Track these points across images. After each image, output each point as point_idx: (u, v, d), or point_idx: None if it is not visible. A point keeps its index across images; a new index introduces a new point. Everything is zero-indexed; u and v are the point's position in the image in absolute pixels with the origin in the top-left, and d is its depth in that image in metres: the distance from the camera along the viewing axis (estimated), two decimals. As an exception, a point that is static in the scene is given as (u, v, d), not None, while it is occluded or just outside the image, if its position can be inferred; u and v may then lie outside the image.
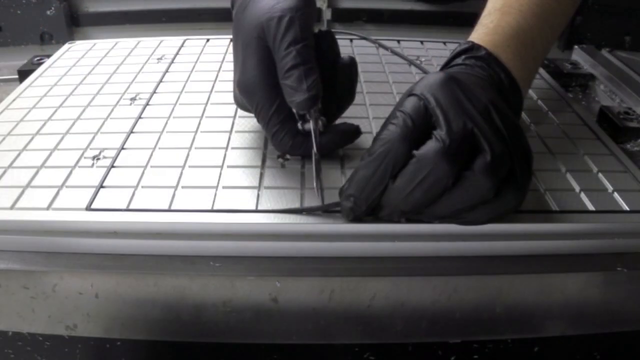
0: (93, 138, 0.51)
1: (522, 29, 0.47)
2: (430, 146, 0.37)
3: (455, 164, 0.37)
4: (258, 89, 0.44)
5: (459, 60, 0.46)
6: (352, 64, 0.47)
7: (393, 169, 0.38)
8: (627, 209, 0.44)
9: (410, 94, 0.40)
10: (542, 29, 0.48)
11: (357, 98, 0.58)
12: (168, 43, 0.71)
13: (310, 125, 0.44)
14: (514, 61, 0.45)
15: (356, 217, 0.40)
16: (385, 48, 0.71)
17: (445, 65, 0.47)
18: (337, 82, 0.46)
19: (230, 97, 0.58)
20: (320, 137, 0.44)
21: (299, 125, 0.45)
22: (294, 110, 0.44)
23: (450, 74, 0.40)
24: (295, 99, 0.42)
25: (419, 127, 0.38)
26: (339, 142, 0.47)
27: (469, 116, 0.38)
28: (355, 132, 0.47)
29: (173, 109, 0.56)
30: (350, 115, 0.54)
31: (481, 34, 0.47)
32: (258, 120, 0.46)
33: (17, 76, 0.68)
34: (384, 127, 0.39)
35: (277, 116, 0.44)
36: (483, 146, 0.37)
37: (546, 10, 0.49)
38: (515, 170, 0.38)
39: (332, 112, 0.47)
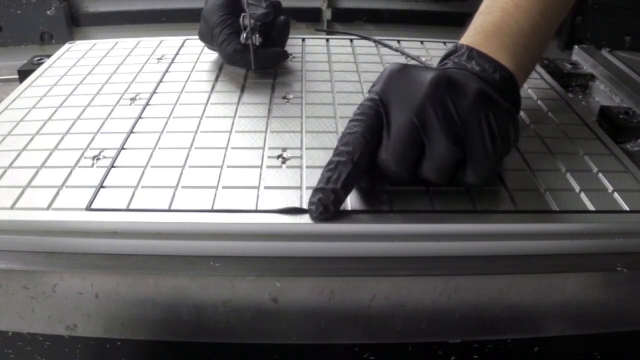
0: (93, 138, 0.51)
1: (505, 23, 0.47)
2: (381, 151, 0.41)
3: (405, 162, 0.41)
4: (215, 12, 0.60)
5: (445, 62, 0.47)
6: (286, 20, 0.63)
7: (352, 156, 0.40)
8: (627, 209, 0.44)
9: (370, 88, 0.44)
10: (531, 19, 0.48)
11: (356, 98, 0.58)
12: (168, 43, 0.72)
13: (249, 41, 0.59)
14: (496, 52, 0.46)
15: (325, 207, 0.40)
16: (390, 47, 0.71)
17: None
18: (273, 27, 0.62)
19: (230, 97, 0.59)
20: (256, 51, 0.59)
21: (241, 37, 0.59)
22: (247, 22, 0.58)
23: (400, 66, 0.43)
24: (257, 11, 0.59)
25: (375, 117, 0.41)
26: (270, 57, 0.62)
27: (414, 110, 0.40)
28: (283, 53, 0.63)
29: (173, 109, 0.56)
30: (350, 115, 0.55)
31: (465, 37, 0.49)
32: (212, 37, 0.60)
33: (17, 76, 0.68)
34: (349, 120, 0.43)
35: (226, 30, 0.59)
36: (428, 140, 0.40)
37: (534, 1, 0.49)
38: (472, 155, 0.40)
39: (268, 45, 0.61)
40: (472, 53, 0.46)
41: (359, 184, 0.43)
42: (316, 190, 0.41)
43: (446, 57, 0.48)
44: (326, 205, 0.40)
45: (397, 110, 0.41)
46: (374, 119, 0.41)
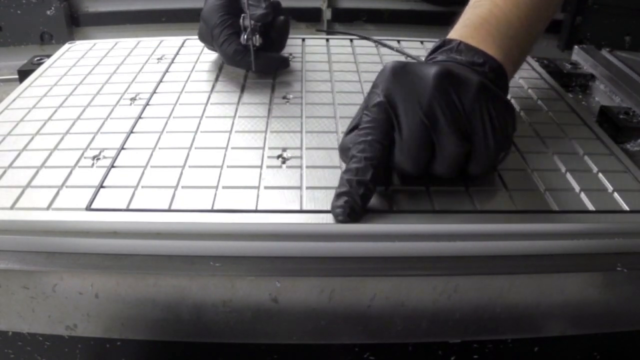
0: (93, 138, 0.51)
1: (493, 15, 0.48)
2: (396, 153, 0.41)
3: (420, 162, 0.41)
4: (214, 13, 0.60)
5: (434, 56, 0.47)
6: (286, 21, 0.63)
7: (372, 162, 0.40)
8: (627, 209, 0.44)
9: (372, 90, 0.43)
10: (520, 11, 0.48)
11: (356, 98, 0.58)
12: (168, 43, 0.72)
13: (250, 42, 0.58)
14: (483, 43, 0.46)
15: (352, 209, 0.40)
16: (390, 48, 0.71)
17: None
18: (273, 28, 0.62)
19: (230, 97, 0.59)
20: (258, 53, 0.59)
21: (242, 38, 0.59)
22: (247, 23, 0.58)
23: (401, 64, 0.42)
24: (256, 12, 0.59)
25: (387, 121, 0.41)
26: (271, 63, 0.62)
27: (423, 110, 0.40)
28: (284, 60, 0.63)
29: (173, 109, 0.56)
30: (350, 115, 0.55)
31: (453, 30, 0.49)
32: (213, 38, 0.60)
33: (17, 76, 0.68)
34: (360, 127, 0.42)
35: (226, 31, 0.59)
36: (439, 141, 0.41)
37: None
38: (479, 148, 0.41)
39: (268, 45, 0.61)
40: (461, 46, 0.46)
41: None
42: (340, 194, 0.41)
43: (434, 50, 0.48)
44: (353, 207, 0.40)
45: (406, 110, 0.41)
46: (387, 123, 0.41)
